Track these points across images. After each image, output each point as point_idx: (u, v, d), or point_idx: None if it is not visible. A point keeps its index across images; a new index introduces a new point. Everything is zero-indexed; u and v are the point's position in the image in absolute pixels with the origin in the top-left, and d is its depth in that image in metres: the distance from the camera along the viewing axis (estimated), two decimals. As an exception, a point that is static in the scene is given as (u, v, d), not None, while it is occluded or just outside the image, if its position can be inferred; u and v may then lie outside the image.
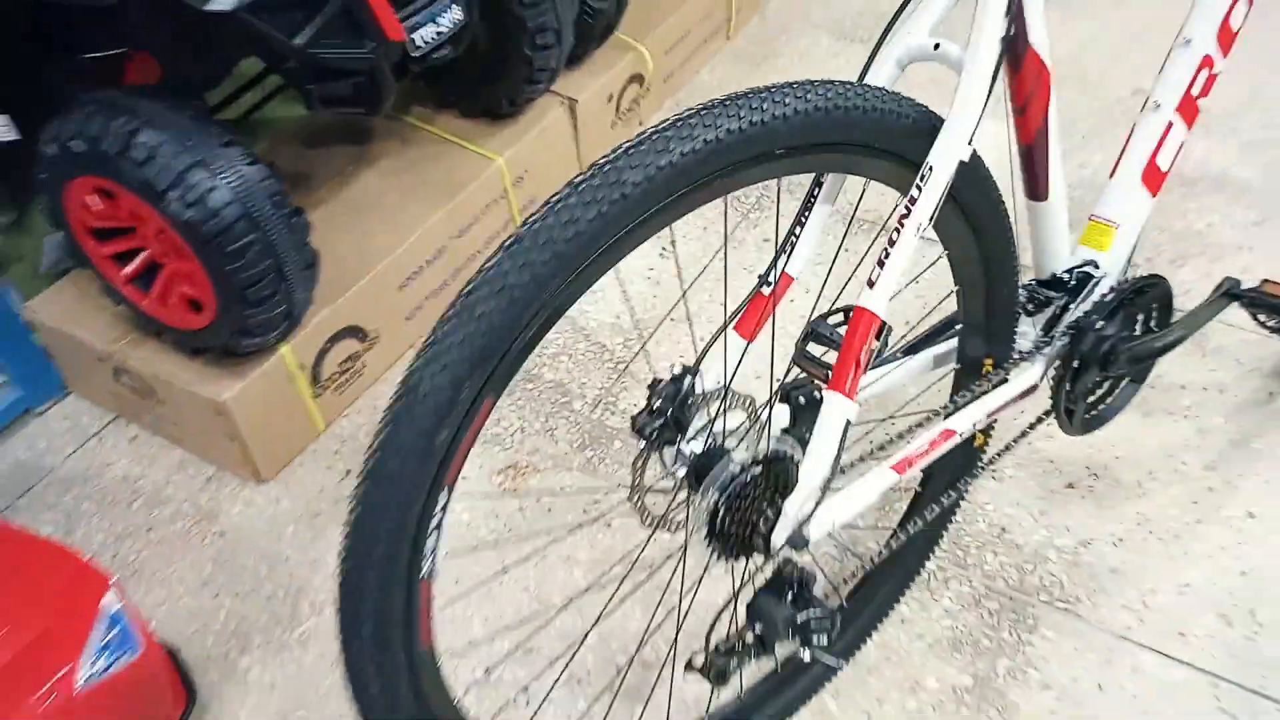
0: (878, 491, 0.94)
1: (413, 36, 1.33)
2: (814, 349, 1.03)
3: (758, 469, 0.90)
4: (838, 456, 0.86)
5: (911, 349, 1.12)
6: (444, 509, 0.75)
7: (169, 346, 1.44)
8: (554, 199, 0.70)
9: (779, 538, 0.87)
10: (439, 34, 1.35)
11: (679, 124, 0.73)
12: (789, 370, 1.00)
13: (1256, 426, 1.49)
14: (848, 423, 0.86)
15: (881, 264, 0.84)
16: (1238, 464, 1.44)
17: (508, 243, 0.70)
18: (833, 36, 2.38)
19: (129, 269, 1.35)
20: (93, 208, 1.28)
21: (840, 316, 1.14)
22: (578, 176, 0.71)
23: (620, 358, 1.68)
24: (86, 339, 1.49)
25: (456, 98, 1.85)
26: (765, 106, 0.75)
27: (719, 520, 0.90)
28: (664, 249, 1.86)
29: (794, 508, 0.86)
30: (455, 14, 1.38)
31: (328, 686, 1.28)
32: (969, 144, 0.83)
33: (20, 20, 1.28)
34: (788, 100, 0.76)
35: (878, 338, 0.88)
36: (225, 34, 1.17)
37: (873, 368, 1.08)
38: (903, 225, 0.83)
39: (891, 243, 0.84)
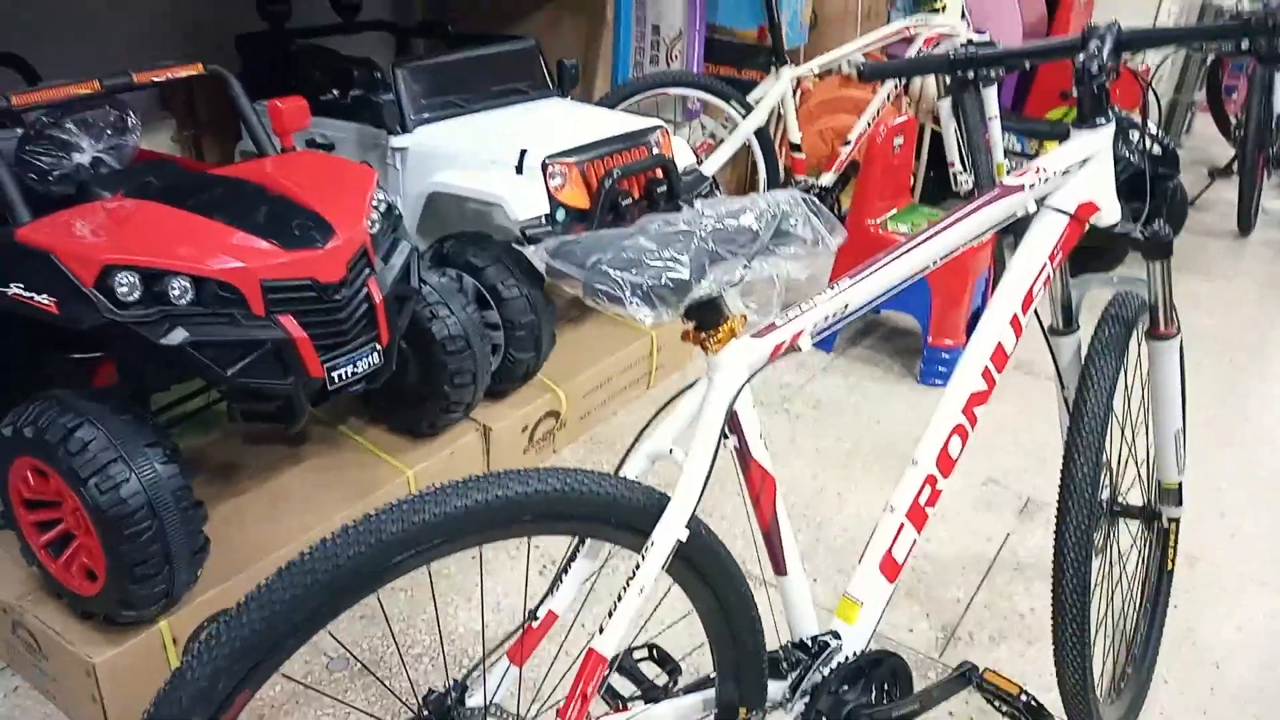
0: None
1: (332, 374, 1.62)
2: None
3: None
4: (561, 781, 1.01)
5: (689, 690, 1.29)
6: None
7: (64, 608, 1.61)
8: (325, 539, 0.92)
9: None
10: (355, 373, 1.65)
11: (441, 490, 0.96)
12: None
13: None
14: (572, 750, 1.02)
15: (610, 614, 1.04)
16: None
17: (284, 566, 0.91)
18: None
19: (46, 536, 1.55)
20: (29, 482, 1.51)
21: (645, 652, 1.33)
22: (350, 523, 0.93)
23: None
24: (-3, 591, 1.67)
25: (385, 415, 2.14)
26: (515, 485, 0.99)
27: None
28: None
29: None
30: (374, 359, 1.68)
31: None
32: (687, 526, 1.06)
33: (20, 329, 1.59)
34: (531, 482, 1.00)
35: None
36: (172, 358, 1.46)
37: (655, 701, 1.25)
38: (628, 585, 1.04)
39: (619, 598, 1.04)
